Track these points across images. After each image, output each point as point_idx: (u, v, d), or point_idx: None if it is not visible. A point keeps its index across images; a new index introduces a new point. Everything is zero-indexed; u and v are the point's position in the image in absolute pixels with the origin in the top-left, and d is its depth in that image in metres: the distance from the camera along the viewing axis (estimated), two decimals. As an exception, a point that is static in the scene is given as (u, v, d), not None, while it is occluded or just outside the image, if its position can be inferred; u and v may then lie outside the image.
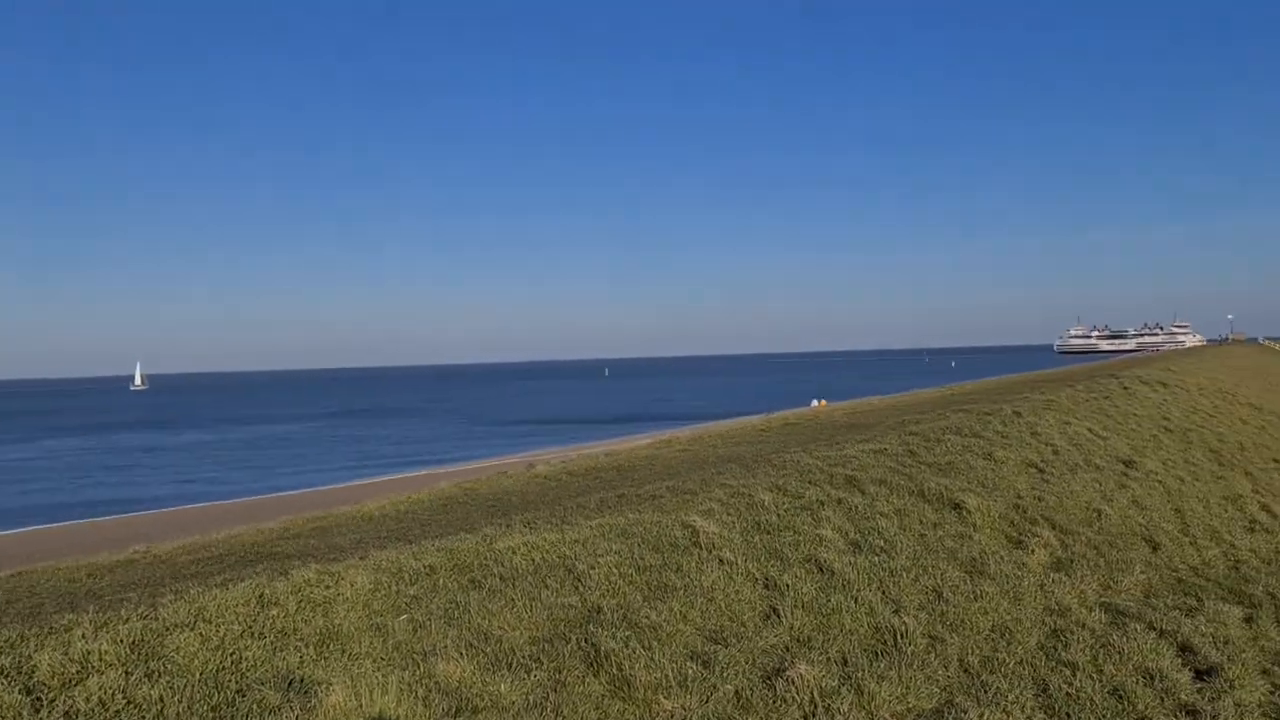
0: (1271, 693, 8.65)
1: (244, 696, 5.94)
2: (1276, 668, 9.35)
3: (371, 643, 6.90)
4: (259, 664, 6.33)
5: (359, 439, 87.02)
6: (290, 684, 6.15)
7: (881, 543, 10.59)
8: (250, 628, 6.75)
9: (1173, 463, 18.23)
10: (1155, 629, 9.67)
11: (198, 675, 6.07)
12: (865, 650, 8.16)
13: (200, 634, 6.54)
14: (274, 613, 7.01)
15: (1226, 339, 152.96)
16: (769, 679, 7.34)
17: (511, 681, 6.68)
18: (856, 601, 8.99)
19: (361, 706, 5.99)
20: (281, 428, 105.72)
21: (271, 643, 6.62)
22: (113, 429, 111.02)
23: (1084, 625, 9.52)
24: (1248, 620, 10.57)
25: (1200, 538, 14.00)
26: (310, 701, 5.93)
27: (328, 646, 6.72)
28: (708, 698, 6.95)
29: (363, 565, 8.14)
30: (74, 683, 5.80)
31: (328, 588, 7.56)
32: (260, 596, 7.24)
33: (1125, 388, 26.83)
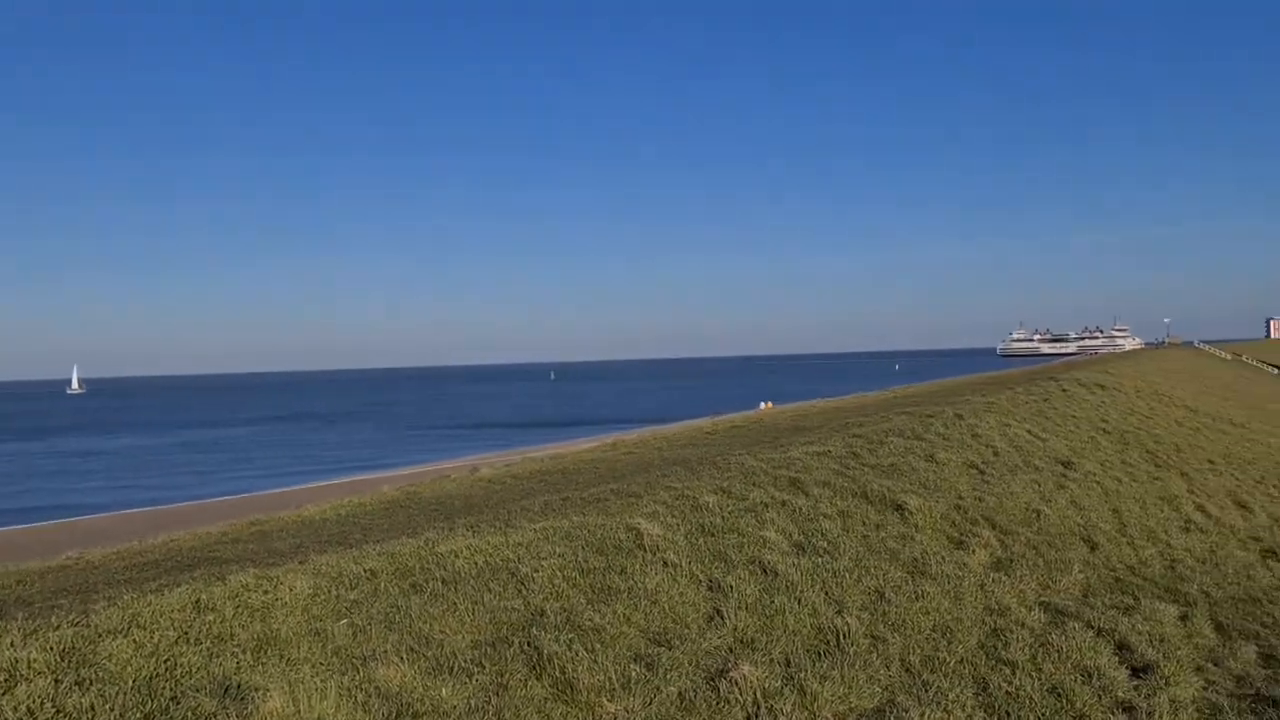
0: (1205, 689, 8.81)
1: (178, 704, 5.82)
2: (1210, 665, 9.52)
3: (310, 648, 6.80)
4: (194, 670, 6.21)
5: (300, 443, 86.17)
6: (226, 690, 6.04)
7: (825, 544, 10.64)
8: (186, 634, 6.62)
9: (1110, 464, 18.51)
10: (1093, 628, 9.80)
11: (130, 683, 5.95)
12: (808, 650, 8.18)
13: (134, 640, 6.40)
14: (210, 618, 6.89)
15: (1163, 342, 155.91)
16: (712, 680, 7.33)
17: (453, 686, 6.61)
18: (800, 602, 9.02)
19: (300, 712, 5.90)
20: (221, 432, 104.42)
21: (208, 649, 6.50)
22: (48, 433, 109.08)
23: (1023, 624, 9.63)
24: (1183, 618, 10.75)
25: (1137, 537, 14.23)
26: (247, 708, 5.83)
27: (265, 652, 6.61)
28: (651, 699, 6.93)
29: (302, 570, 8.03)
30: (1, 691, 5.66)
31: (266, 593, 7.44)
32: (196, 602, 7.11)
33: (1064, 390, 27.22)
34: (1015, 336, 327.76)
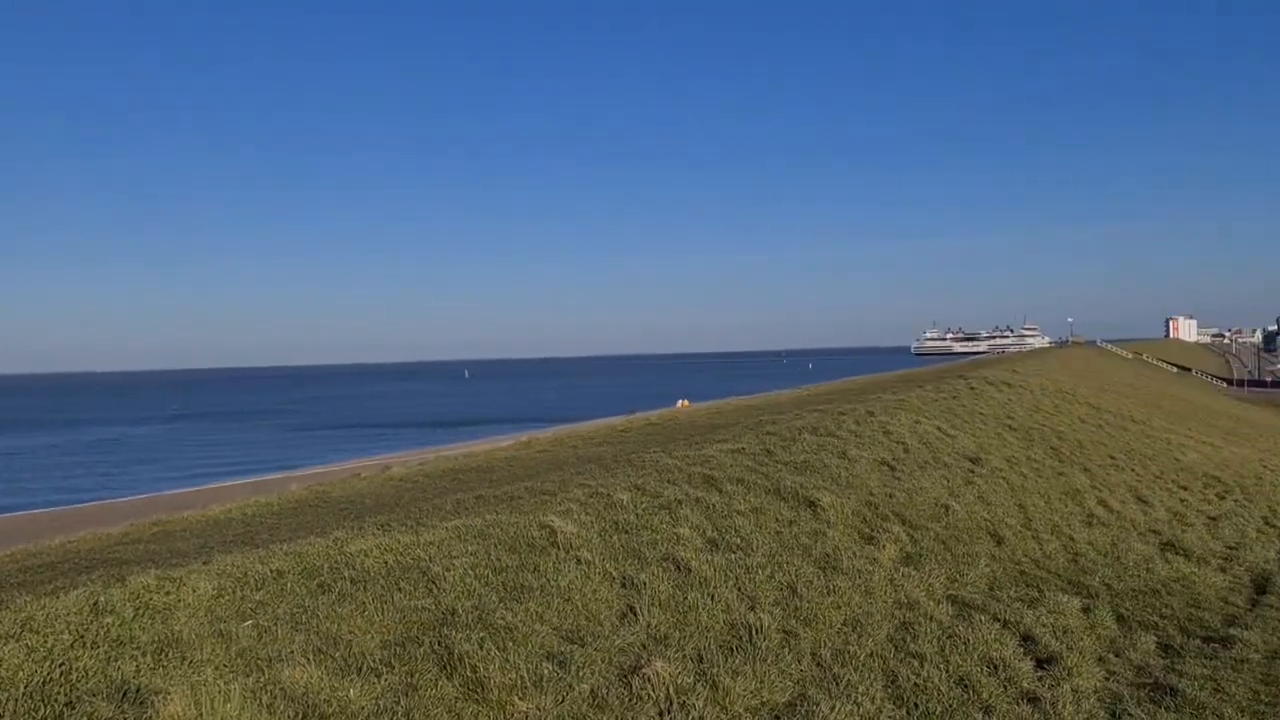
0: (1107, 679, 9.02)
1: (73, 709, 5.63)
2: (1112, 655, 9.76)
3: (214, 650, 6.63)
4: (91, 674, 6.01)
5: (206, 442, 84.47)
6: (125, 694, 5.86)
7: (738, 540, 10.68)
8: (82, 637, 6.41)
9: (1016, 460, 18.88)
10: (999, 620, 9.99)
11: (22, 688, 5.74)
12: (721, 646, 8.20)
13: (26, 645, 6.18)
14: (109, 621, 6.68)
15: (1067, 341, 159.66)
16: (625, 677, 7.31)
17: (361, 686, 6.50)
18: (713, 599, 9.04)
19: (202, 715, 5.74)
20: (124, 430, 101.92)
21: (105, 652, 6.30)
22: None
23: (932, 617, 9.77)
24: (1085, 610, 11.00)
25: (1042, 532, 14.52)
26: (146, 712, 5.66)
27: (166, 655, 6.43)
28: (563, 698, 6.89)
29: (206, 570, 7.83)
30: (-115, 699, 5.43)
31: (168, 594, 7.24)
32: (94, 604, 6.89)
33: (972, 388, 27.71)
34: (929, 335, 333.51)
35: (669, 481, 12.38)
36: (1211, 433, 36.37)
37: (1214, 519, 18.37)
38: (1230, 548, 15.97)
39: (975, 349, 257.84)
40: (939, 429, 19.63)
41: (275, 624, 7.13)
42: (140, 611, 6.90)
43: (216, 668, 6.38)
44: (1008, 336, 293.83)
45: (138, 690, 5.92)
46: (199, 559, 8.57)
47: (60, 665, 6.02)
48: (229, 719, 5.82)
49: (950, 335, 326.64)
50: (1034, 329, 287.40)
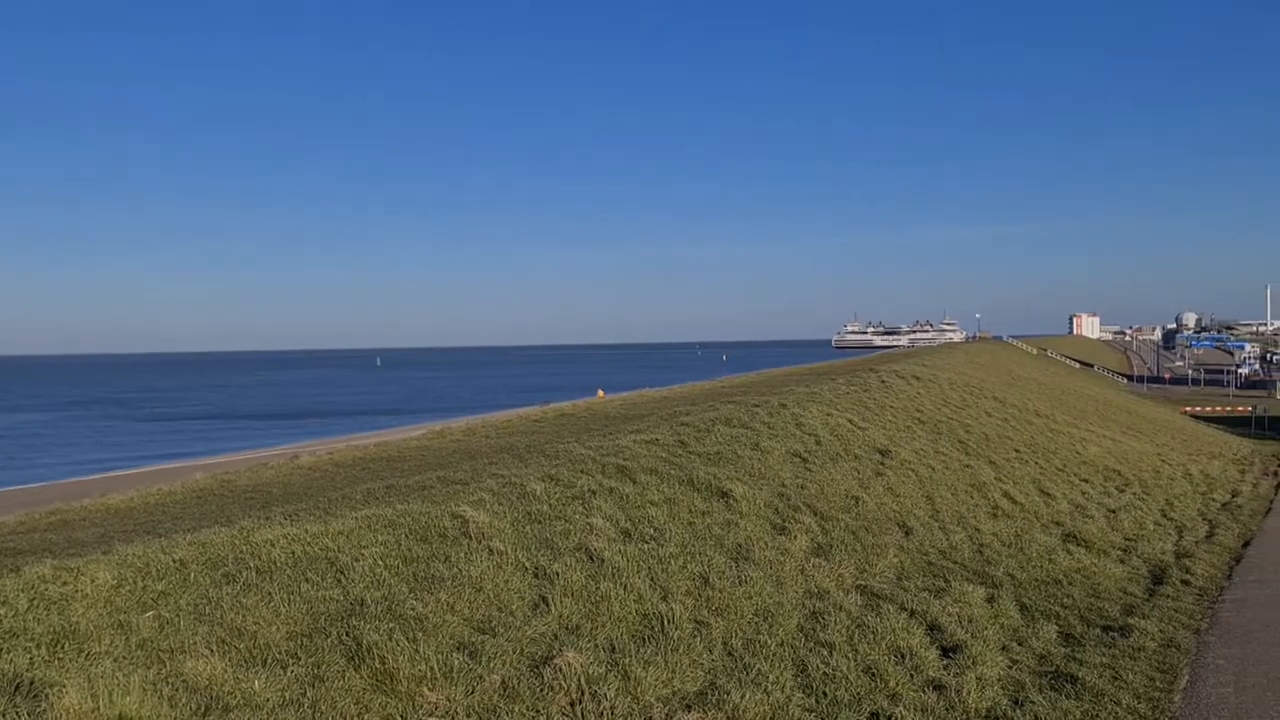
0: (1010, 667, 9.22)
1: (-38, 702, 5.44)
2: (1015, 644, 9.97)
3: (113, 641, 6.45)
4: (-18, 667, 5.81)
5: (103, 429, 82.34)
6: (18, 688, 5.67)
7: (652, 531, 10.70)
8: (-28, 629, 6.19)
9: (924, 452, 19.20)
10: (907, 610, 10.15)
11: (-91, 681, 5.53)
12: (633, 636, 8.21)
13: (-86, 637, 5.96)
14: (1, 612, 6.46)
15: (974, 336, 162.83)
16: (537, 668, 7.28)
17: (266, 678, 6.38)
18: (626, 589, 9.04)
19: (99, 708, 5.58)
20: (15, 417, 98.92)
21: (-3, 644, 6.09)
22: None
23: (841, 607, 9.89)
24: (990, 600, 11.23)
25: (949, 523, 14.79)
26: (39, 705, 5.48)
27: (62, 646, 6.24)
28: (474, 688, 6.84)
29: (105, 560, 7.61)
30: None
31: (65, 584, 7.03)
32: (-14, 595, 6.66)
33: (883, 381, 28.10)
34: (849, 329, 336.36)
35: (582, 472, 12.36)
36: (1112, 427, 37.37)
37: (1114, 511, 18.88)
38: (1129, 539, 16.44)
39: (896, 343, 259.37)
40: (850, 421, 19.87)
41: (178, 615, 6.97)
42: (35, 602, 6.69)
43: (115, 659, 6.21)
44: (928, 331, 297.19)
45: (31, 683, 5.73)
46: (98, 548, 8.33)
47: (-51, 658, 5.81)
48: (128, 711, 5.66)
49: (871, 329, 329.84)
50: (953, 324, 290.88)
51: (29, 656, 6.04)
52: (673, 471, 13.01)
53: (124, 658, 6.28)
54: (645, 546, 10.21)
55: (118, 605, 6.95)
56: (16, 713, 5.39)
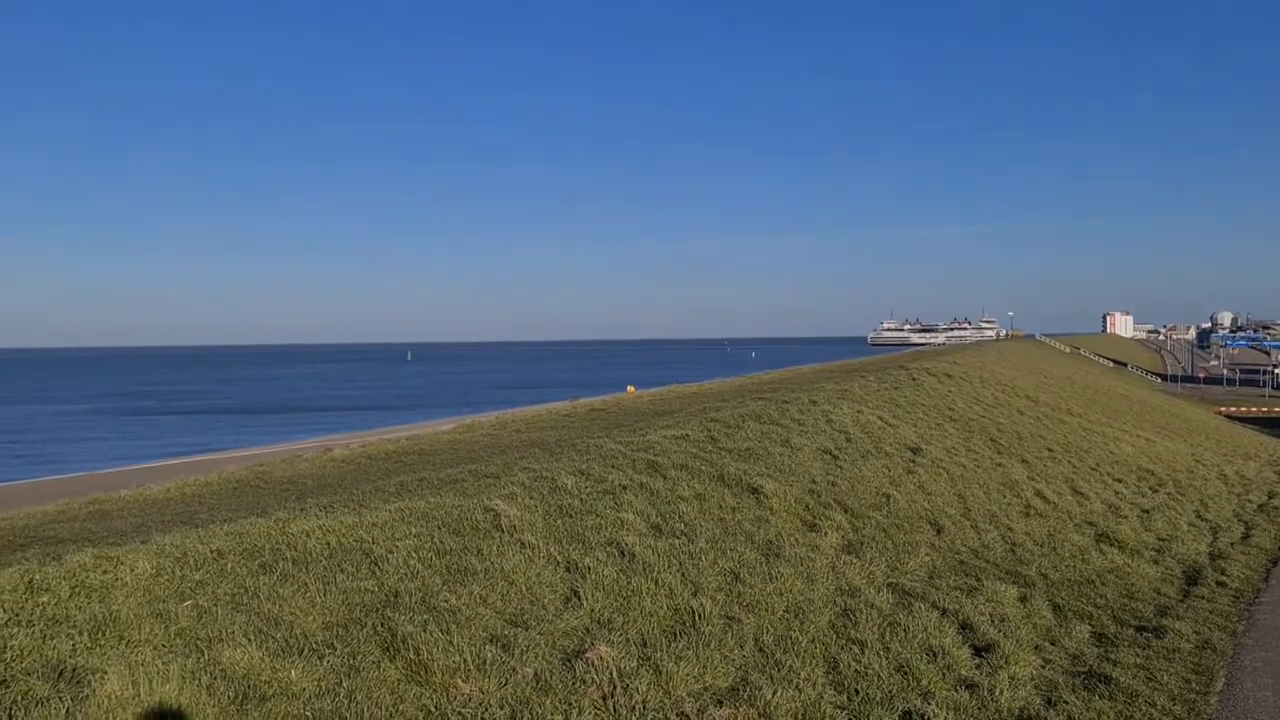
0: (1043, 667, 9.18)
1: (7, 687, 5.53)
2: (1048, 644, 9.93)
3: (152, 630, 6.54)
4: (26, 653, 5.91)
5: (139, 422, 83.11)
6: (61, 673, 5.76)
7: (682, 526, 10.72)
8: (16, 615, 6.30)
9: (956, 450, 19.11)
10: (938, 608, 10.12)
11: (-45, 666, 5.63)
12: (664, 631, 8.23)
13: (-41, 623, 6.07)
14: (44, 599, 6.57)
15: (1006, 335, 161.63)
16: (569, 661, 7.32)
17: (303, 668, 6.44)
18: (656, 584, 9.06)
19: (139, 695, 5.66)
20: (50, 408, 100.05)
21: (41, 631, 6.19)
22: None
23: (872, 605, 9.87)
24: (1022, 599, 11.18)
25: (980, 521, 14.73)
26: (82, 691, 5.57)
27: (103, 634, 6.33)
28: (506, 680, 6.88)
29: (144, 550, 7.72)
30: None
31: (105, 573, 7.13)
32: (29, 582, 6.77)
33: (914, 379, 27.98)
34: (885, 326, 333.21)
35: (613, 467, 12.40)
36: (1146, 427, 37.06)
37: (1147, 511, 18.73)
38: (1163, 540, 16.30)
39: (933, 340, 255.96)
40: (881, 419, 19.81)
41: (215, 604, 7.05)
42: (77, 590, 6.79)
43: (155, 648, 6.30)
44: (966, 328, 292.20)
45: (74, 670, 5.83)
46: (137, 538, 8.44)
47: (-6, 644, 5.91)
48: (167, 699, 5.74)
49: (908, 326, 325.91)
50: (992, 322, 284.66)
51: (71, 643, 6.14)
52: (703, 467, 13.02)
53: (163, 646, 6.37)
54: (676, 542, 10.23)
55: (156, 594, 7.04)
56: (61, 698, 5.48)
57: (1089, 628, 10.65)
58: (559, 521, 10.02)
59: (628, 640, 7.86)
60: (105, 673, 5.79)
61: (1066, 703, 8.29)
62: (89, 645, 6.18)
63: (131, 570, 7.23)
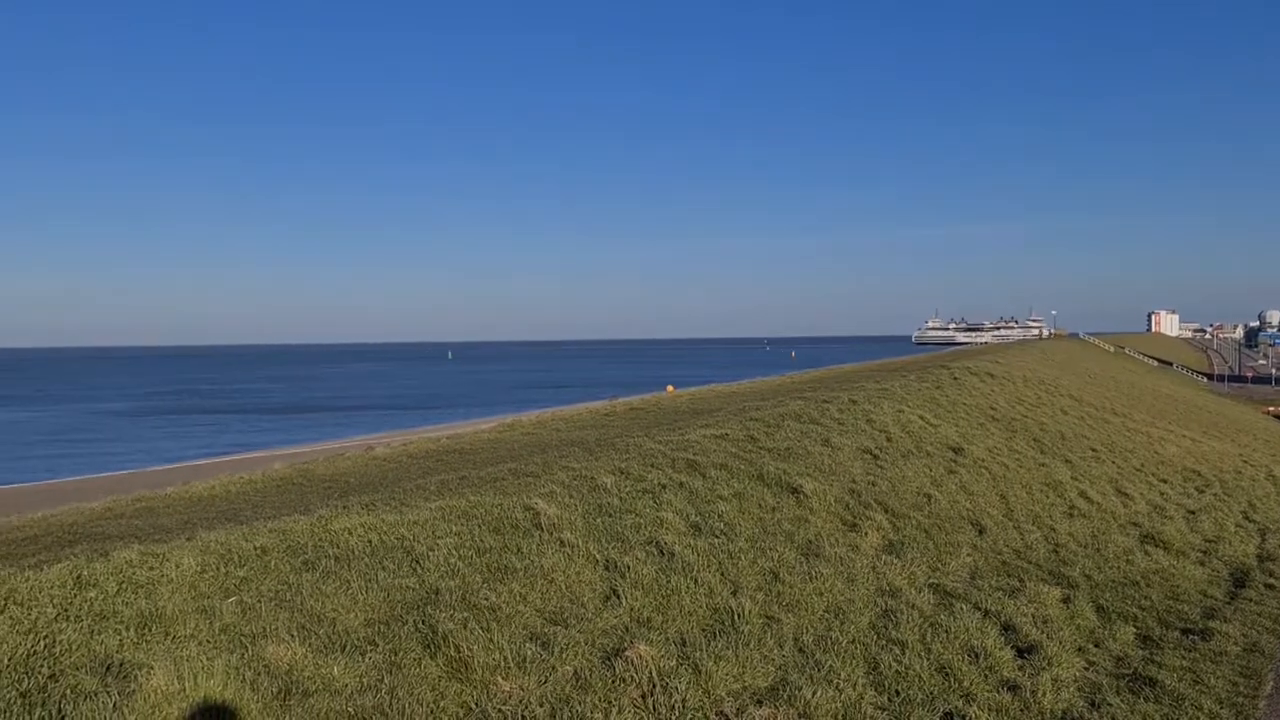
0: (1086, 669, 9.09)
1: (57, 681, 5.63)
2: (1091, 645, 9.83)
3: (197, 625, 6.62)
4: (74, 648, 6.00)
5: (186, 420, 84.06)
6: (108, 668, 5.85)
7: (721, 525, 10.71)
8: (65, 610, 6.40)
9: (998, 450, 18.96)
10: (980, 609, 10.04)
11: (6, 660, 5.73)
12: (704, 630, 8.23)
13: (10, 617, 6.17)
14: (92, 594, 6.67)
15: (1050, 334, 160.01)
16: (608, 659, 7.34)
17: (345, 664, 6.51)
18: (696, 583, 9.06)
19: (185, 690, 5.74)
20: (96, 406, 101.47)
21: (89, 626, 6.29)
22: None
23: (913, 605, 9.82)
24: (1065, 601, 11.07)
25: (1023, 522, 14.60)
26: (129, 685, 5.65)
27: (150, 629, 6.42)
28: (546, 678, 6.91)
29: (189, 546, 7.82)
30: None
31: (151, 569, 7.23)
32: (77, 578, 6.88)
33: (955, 378, 27.79)
34: (930, 325, 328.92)
35: (652, 466, 12.40)
36: (1191, 427, 36.60)
37: (1193, 512, 18.49)
38: (1209, 541, 16.09)
39: (979, 339, 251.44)
40: (922, 418, 19.69)
41: (259, 601, 7.13)
42: (123, 586, 6.89)
43: (200, 643, 6.38)
44: (1013, 328, 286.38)
45: (121, 664, 5.91)
46: (182, 535, 8.55)
47: (44, 638, 6.02)
48: (212, 694, 5.82)
49: (953, 325, 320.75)
50: (1039, 320, 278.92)
51: (119, 638, 6.23)
52: (742, 467, 13.00)
53: (208, 642, 6.45)
54: (715, 541, 10.23)
55: (201, 590, 7.13)
56: (108, 692, 5.56)
57: (1133, 630, 10.53)
58: (598, 520, 10.04)
59: (667, 639, 7.87)
60: (151, 668, 5.88)
61: (1110, 705, 8.20)
62: (136, 640, 6.27)
63: (177, 566, 7.33)
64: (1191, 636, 10.50)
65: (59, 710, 5.38)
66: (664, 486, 11.53)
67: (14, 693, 5.46)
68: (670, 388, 45.53)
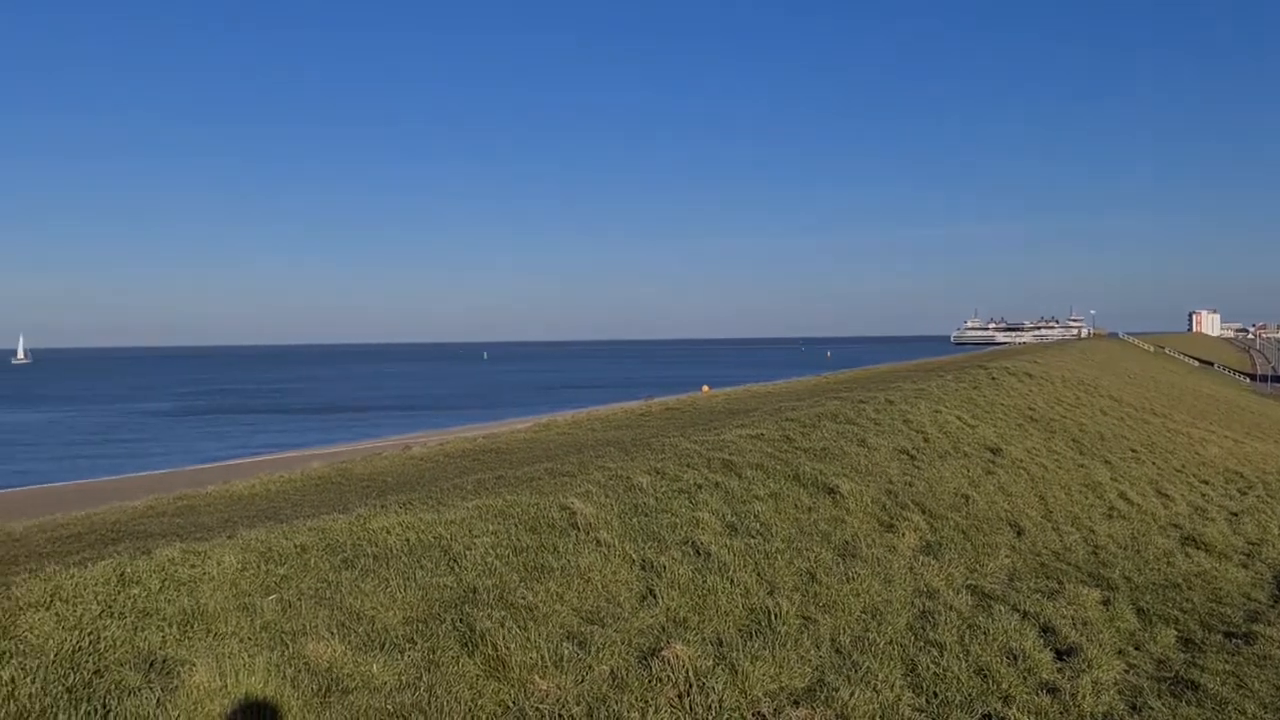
0: (1126, 671, 9.00)
1: (101, 677, 5.71)
2: (1132, 648, 9.73)
3: (239, 622, 6.70)
4: (118, 644, 6.09)
5: (226, 419, 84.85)
6: (151, 664, 5.93)
7: (757, 526, 10.70)
8: (110, 607, 6.49)
9: (1037, 451, 18.81)
10: (1019, 611, 9.97)
11: (52, 656, 5.82)
12: (740, 630, 8.23)
13: (56, 613, 6.27)
14: (135, 592, 6.76)
15: (1089, 334, 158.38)
16: (645, 659, 7.35)
17: (384, 662, 6.56)
18: (732, 583, 9.06)
19: (226, 687, 5.81)
20: (138, 406, 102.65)
21: (132, 622, 6.38)
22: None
23: (951, 607, 9.76)
24: (1105, 603, 10.97)
25: (1062, 523, 14.48)
26: (172, 682, 5.73)
27: (192, 626, 6.50)
28: (583, 677, 6.93)
29: (230, 544, 7.91)
30: (-83, 664, 5.51)
31: (193, 566, 7.32)
32: (121, 575, 6.97)
33: (993, 378, 27.60)
34: (969, 325, 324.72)
35: (688, 466, 12.41)
36: (1234, 428, 36.15)
37: (1236, 514, 18.26)
38: (1252, 543, 15.88)
39: (1019, 339, 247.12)
40: (959, 419, 19.57)
41: (299, 598, 7.20)
42: (166, 583, 6.97)
43: (241, 640, 6.45)
44: (1054, 327, 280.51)
45: (164, 661, 5.99)
46: (223, 533, 8.65)
47: (89, 634, 6.10)
48: (253, 690, 5.88)
49: (993, 325, 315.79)
50: (1080, 320, 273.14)
51: (161, 635, 6.31)
52: (778, 467, 12.98)
53: (249, 639, 6.52)
54: (751, 541, 10.22)
55: (242, 588, 7.21)
56: (151, 688, 5.64)
57: (1175, 632, 10.42)
58: (634, 520, 10.06)
59: (703, 639, 7.87)
60: (194, 664, 5.95)
61: (1152, 708, 8.12)
62: (178, 637, 6.34)
63: (218, 564, 7.41)
64: (1234, 640, 10.38)
65: (104, 705, 5.45)
66: (700, 486, 11.53)
67: (60, 688, 5.53)
68: (706, 388, 45.49)
